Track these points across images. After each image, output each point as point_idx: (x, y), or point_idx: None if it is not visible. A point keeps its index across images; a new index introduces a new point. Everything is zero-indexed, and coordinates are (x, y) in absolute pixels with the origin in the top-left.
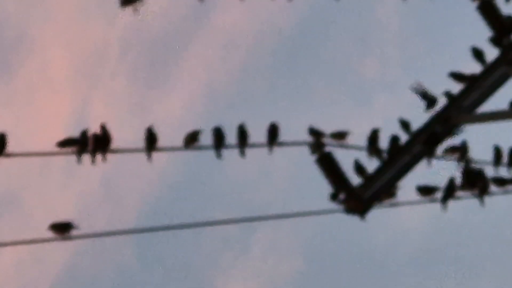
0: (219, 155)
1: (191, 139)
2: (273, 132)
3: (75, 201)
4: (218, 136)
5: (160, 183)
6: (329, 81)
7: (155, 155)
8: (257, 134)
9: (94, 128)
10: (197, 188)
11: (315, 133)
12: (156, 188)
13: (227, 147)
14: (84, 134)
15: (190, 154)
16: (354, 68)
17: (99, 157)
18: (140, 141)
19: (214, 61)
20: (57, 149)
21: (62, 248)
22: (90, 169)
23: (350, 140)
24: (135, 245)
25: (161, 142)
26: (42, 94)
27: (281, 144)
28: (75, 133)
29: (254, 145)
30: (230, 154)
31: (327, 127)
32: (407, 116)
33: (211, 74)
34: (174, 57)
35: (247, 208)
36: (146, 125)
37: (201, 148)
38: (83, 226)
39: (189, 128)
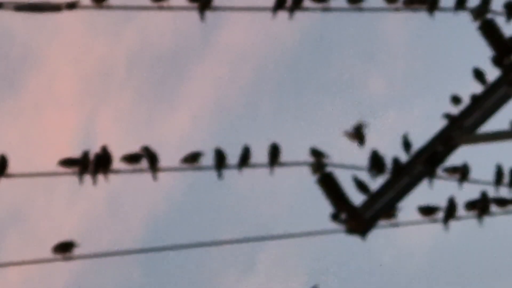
0: (220, 175)
1: (191, 160)
2: (274, 153)
3: (79, 220)
4: (219, 157)
5: (165, 202)
6: (334, 99)
7: (159, 174)
8: (262, 152)
9: (100, 144)
10: (200, 207)
11: (316, 154)
12: (161, 207)
13: (228, 167)
14: (85, 154)
15: (193, 173)
16: (359, 85)
17: (100, 177)
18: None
19: (220, 78)
20: (59, 169)
21: (67, 266)
22: (95, 187)
23: (351, 159)
24: (140, 263)
25: (166, 159)
26: (49, 111)
27: (282, 164)
28: (81, 149)
29: (255, 165)
30: (233, 174)
31: (333, 145)
32: (413, 133)
33: (217, 91)
34: (181, 74)
35: (250, 228)
36: (151, 141)
37: (202, 168)
38: (87, 244)
39: (195, 144)
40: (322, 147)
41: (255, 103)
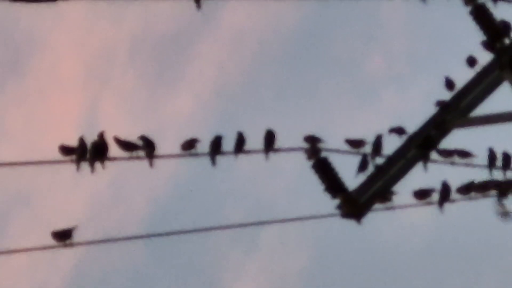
0: (214, 163)
1: (189, 146)
2: (269, 139)
3: (83, 205)
4: (214, 145)
5: (166, 187)
6: (334, 79)
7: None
8: (260, 135)
9: (103, 127)
10: (201, 192)
11: (311, 139)
12: (163, 192)
13: (224, 154)
14: (81, 141)
15: (192, 160)
16: (359, 65)
17: (98, 165)
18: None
19: (222, 60)
20: (58, 157)
21: (73, 250)
22: (97, 173)
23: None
24: (145, 246)
25: (169, 142)
26: (53, 94)
27: (277, 150)
28: (84, 132)
29: (251, 151)
30: (229, 160)
31: (334, 126)
32: (411, 112)
33: (218, 74)
34: (182, 57)
35: (251, 211)
36: (154, 124)
37: (198, 155)
38: (90, 229)
39: (197, 127)
40: (320, 131)
41: (255, 86)
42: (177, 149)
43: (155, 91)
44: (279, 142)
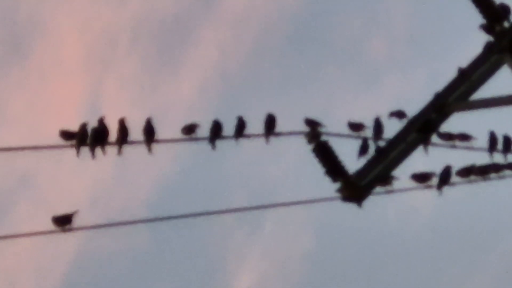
0: (213, 147)
1: (189, 131)
2: (269, 123)
3: (85, 190)
4: (214, 129)
5: (169, 171)
6: (337, 62)
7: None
8: (261, 119)
9: (105, 111)
10: (203, 176)
11: (311, 123)
12: (166, 176)
13: (224, 138)
14: (83, 126)
15: (195, 145)
16: (361, 49)
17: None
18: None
19: (224, 44)
20: (59, 142)
21: (74, 235)
22: (101, 158)
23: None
24: (149, 229)
25: (171, 125)
26: (55, 78)
27: (278, 134)
28: (87, 115)
29: (251, 136)
30: (230, 145)
31: (336, 109)
32: (413, 94)
33: (221, 57)
34: (185, 40)
35: (251, 195)
36: (156, 107)
37: (198, 139)
38: (92, 214)
39: (200, 109)
40: (322, 115)
41: (257, 69)
42: (178, 133)
43: (158, 75)
44: (281, 126)
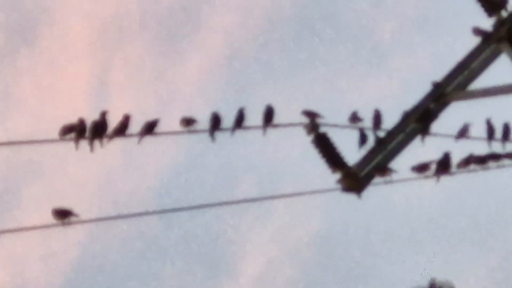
0: (213, 139)
1: (187, 123)
2: (268, 115)
3: (90, 181)
4: (214, 121)
5: (173, 162)
6: (343, 45)
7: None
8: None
9: (113, 96)
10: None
11: (310, 114)
12: (170, 167)
13: (223, 130)
14: (81, 121)
15: (194, 137)
16: (368, 33)
17: (97, 143)
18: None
19: (232, 29)
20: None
21: (80, 226)
22: (106, 149)
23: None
24: (158, 218)
25: (178, 109)
26: (63, 63)
27: (277, 125)
28: (95, 100)
29: (250, 127)
30: (227, 136)
31: (343, 93)
32: (419, 77)
33: (227, 42)
34: (192, 26)
35: (256, 184)
36: (163, 92)
37: (197, 132)
38: (95, 207)
39: (205, 96)
40: (329, 100)
41: (263, 55)
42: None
43: (165, 58)
44: (286, 111)
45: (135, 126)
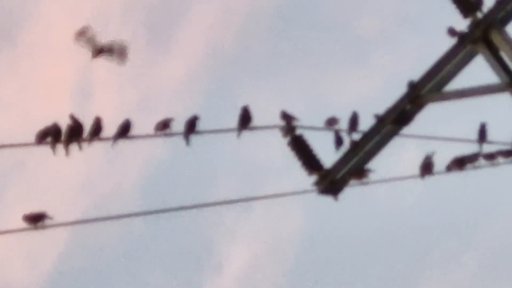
0: (188, 143)
1: (163, 127)
2: (244, 116)
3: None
4: (190, 125)
5: (149, 166)
6: (326, 41)
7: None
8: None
9: (96, 93)
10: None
11: (286, 117)
12: (147, 172)
13: (198, 133)
14: (55, 126)
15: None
16: (350, 27)
17: (74, 147)
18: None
19: (214, 25)
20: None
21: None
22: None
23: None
24: (140, 219)
25: (163, 106)
26: (45, 62)
27: (253, 128)
28: (78, 98)
29: (226, 130)
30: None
31: (326, 89)
32: (404, 72)
33: (211, 38)
34: (175, 23)
35: (231, 188)
36: (147, 89)
37: (173, 135)
38: (74, 209)
39: (189, 93)
40: (312, 95)
41: (246, 50)
42: (170, 114)
43: (148, 55)
44: (269, 114)
45: (114, 126)
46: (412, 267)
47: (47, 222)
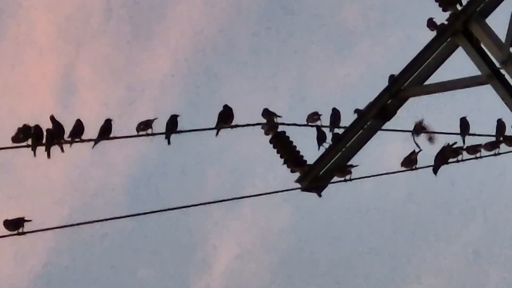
0: (169, 143)
1: (145, 127)
2: (225, 115)
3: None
4: (171, 124)
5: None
6: (310, 32)
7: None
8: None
9: (80, 90)
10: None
11: (268, 114)
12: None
13: (178, 132)
14: (36, 128)
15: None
16: (334, 18)
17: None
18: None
19: (197, 21)
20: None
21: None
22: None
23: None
24: (128, 222)
25: (146, 101)
26: (29, 58)
27: (234, 126)
28: (61, 94)
29: (206, 129)
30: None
31: (311, 79)
32: (387, 63)
33: (194, 34)
34: (157, 18)
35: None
36: (131, 85)
37: (153, 135)
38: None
39: (174, 87)
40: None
41: (230, 45)
42: (153, 112)
43: (131, 53)
44: (254, 101)
45: (97, 124)
46: (396, 261)
47: (26, 225)
